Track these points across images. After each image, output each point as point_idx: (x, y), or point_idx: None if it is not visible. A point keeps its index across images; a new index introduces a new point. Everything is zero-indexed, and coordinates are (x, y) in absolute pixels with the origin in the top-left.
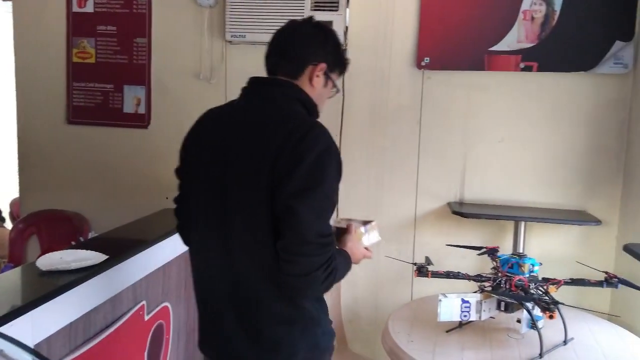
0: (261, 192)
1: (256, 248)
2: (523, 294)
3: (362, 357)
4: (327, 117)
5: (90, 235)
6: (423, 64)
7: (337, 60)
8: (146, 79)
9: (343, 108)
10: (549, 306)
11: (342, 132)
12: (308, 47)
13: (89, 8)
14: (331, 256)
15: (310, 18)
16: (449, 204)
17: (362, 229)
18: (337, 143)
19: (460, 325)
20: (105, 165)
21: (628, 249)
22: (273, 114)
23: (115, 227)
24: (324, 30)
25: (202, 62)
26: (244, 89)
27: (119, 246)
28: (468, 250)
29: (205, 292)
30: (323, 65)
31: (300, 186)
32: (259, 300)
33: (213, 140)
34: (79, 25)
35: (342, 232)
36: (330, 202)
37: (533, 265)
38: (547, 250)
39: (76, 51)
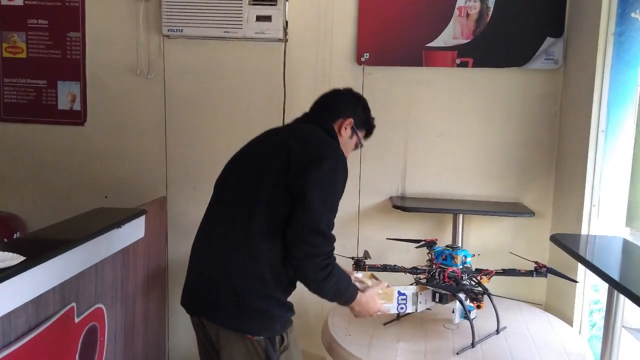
0: (265, 184)
1: (247, 225)
2: (455, 285)
3: (306, 352)
4: (268, 113)
5: (15, 237)
6: (363, 59)
7: (363, 121)
8: (81, 75)
9: (285, 104)
10: (477, 296)
11: None
12: (342, 104)
13: (19, 1)
14: (332, 250)
15: (350, 89)
16: (390, 198)
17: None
18: None
19: (398, 317)
20: (41, 164)
21: (554, 239)
22: (299, 130)
23: (44, 227)
24: (357, 96)
25: (139, 56)
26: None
27: (44, 246)
28: (409, 243)
29: (194, 258)
30: (351, 120)
31: (318, 181)
32: (235, 264)
33: (248, 148)
34: (8, 19)
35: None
36: (338, 200)
37: (466, 256)
38: (484, 242)
39: (6, 46)
